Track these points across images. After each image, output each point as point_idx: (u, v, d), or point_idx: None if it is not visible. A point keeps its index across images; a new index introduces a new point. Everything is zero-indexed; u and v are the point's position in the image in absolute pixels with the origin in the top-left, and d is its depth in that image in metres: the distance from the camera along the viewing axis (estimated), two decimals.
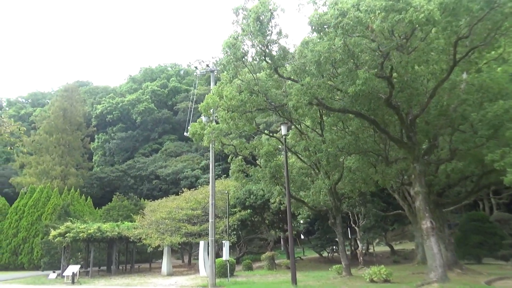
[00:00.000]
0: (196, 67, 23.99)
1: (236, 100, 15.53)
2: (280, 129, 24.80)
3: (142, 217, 34.33)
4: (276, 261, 31.37)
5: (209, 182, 49.74)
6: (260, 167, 22.63)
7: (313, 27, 11.67)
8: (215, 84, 26.51)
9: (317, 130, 21.13)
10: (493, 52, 14.46)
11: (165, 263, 30.06)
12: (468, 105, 14.50)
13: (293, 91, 14.05)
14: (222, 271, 23.87)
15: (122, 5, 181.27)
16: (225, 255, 21.94)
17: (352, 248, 39.51)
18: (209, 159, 71.43)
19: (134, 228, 32.42)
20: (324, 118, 20.24)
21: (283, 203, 31.10)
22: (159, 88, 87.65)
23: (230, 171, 24.59)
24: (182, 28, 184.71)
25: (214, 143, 21.66)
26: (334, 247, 38.59)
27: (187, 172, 65.44)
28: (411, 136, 15.88)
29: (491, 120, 12.88)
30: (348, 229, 39.55)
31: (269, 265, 28.94)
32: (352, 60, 12.85)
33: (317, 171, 22.12)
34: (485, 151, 13.29)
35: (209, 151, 75.61)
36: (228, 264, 22.79)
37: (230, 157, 24.23)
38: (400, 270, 25.59)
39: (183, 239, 29.45)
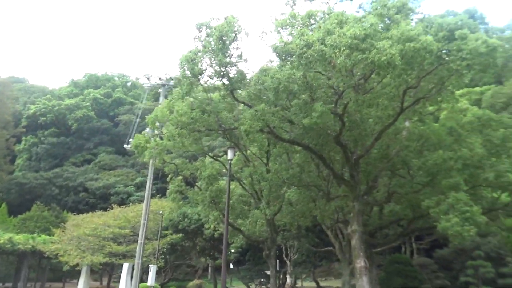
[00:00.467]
0: (148, 78, 23.04)
1: (187, 117, 14.95)
2: (224, 154, 24.42)
3: (63, 231, 31.56)
4: None
5: (142, 200, 47.51)
6: (200, 190, 21.88)
7: (277, 54, 11.64)
8: (166, 99, 25.79)
9: (262, 159, 20.99)
10: (432, 107, 15.48)
11: (81, 284, 27.58)
12: (410, 151, 15.22)
13: (247, 116, 13.81)
14: None
15: (74, 7, 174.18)
16: (151, 280, 20.58)
17: (280, 281, 39.27)
18: (145, 176, 68.39)
19: (52, 242, 29.72)
20: (271, 148, 20.24)
21: (218, 230, 30.25)
22: (102, 97, 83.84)
23: (167, 191, 23.53)
24: (135, 40, 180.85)
25: (155, 159, 20.70)
26: (262, 280, 38.10)
27: (119, 187, 62.14)
28: (354, 175, 16.20)
29: (430, 168, 13.55)
30: (278, 261, 39.43)
31: None
32: (308, 93, 12.97)
33: (257, 200, 21.81)
34: (421, 197, 13.88)
35: (147, 167, 72.61)
36: None
37: (169, 176, 23.23)
38: None
39: (106, 259, 27.33)
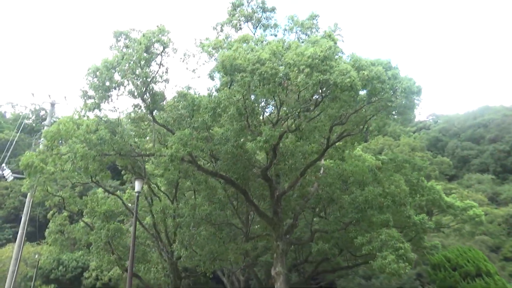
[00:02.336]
0: (32, 94, 19.34)
1: (97, 135, 12.42)
2: (115, 190, 21.36)
3: None
4: None
5: None
6: (92, 230, 18.40)
7: (225, 69, 10.38)
8: (52, 120, 21.91)
9: (169, 195, 18.79)
10: (356, 144, 15.86)
11: None
12: (336, 188, 15.02)
13: (174, 140, 11.98)
14: None
15: None
16: None
17: None
18: None
19: None
20: (179, 182, 18.28)
21: (101, 278, 25.97)
22: None
23: (47, 230, 19.23)
24: None
25: (35, 190, 16.88)
26: None
27: None
28: (278, 212, 15.30)
29: (360, 204, 13.40)
30: None
31: None
32: (245, 117, 11.88)
33: (159, 241, 19.18)
34: (350, 234, 13.56)
35: (2, 208, 61.11)
36: None
37: (51, 212, 19.17)
38: None
39: None
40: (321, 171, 17.22)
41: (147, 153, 14.46)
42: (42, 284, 25.97)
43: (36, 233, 51.76)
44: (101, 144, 12.61)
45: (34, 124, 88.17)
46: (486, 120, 64.33)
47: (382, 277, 33.81)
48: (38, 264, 23.37)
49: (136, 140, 14.79)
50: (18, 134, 41.43)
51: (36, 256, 23.93)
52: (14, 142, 27.90)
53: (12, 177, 18.30)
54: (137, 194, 15.73)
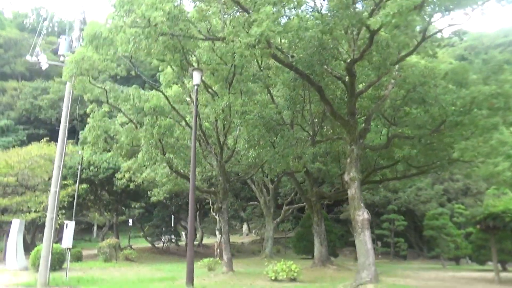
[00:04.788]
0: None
1: (163, 11, 10.14)
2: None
3: None
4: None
5: (7, 147, 38.18)
6: (139, 126, 16.96)
7: None
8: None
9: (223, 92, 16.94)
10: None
11: None
12: (430, 88, 13.24)
13: (261, 16, 9.83)
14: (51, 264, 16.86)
15: None
16: (68, 240, 15.39)
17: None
18: (12, 119, 56.39)
19: None
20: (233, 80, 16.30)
21: (134, 180, 25.38)
22: None
23: (86, 127, 17.71)
24: None
25: (74, 79, 15.05)
26: (172, 237, 34.56)
27: None
28: (354, 113, 13.73)
29: (466, 105, 11.76)
30: (197, 215, 36.14)
31: (108, 256, 22.73)
32: None
33: (206, 144, 17.90)
34: (446, 139, 12.17)
35: (13, 109, 59.64)
36: (69, 254, 16.17)
37: (90, 107, 17.54)
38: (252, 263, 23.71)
39: None
40: (396, 72, 15.29)
41: (217, 36, 12.29)
42: (74, 183, 25.39)
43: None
44: (170, 20, 10.43)
45: (35, 24, 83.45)
46: None
47: (409, 191, 33.85)
48: (81, 161, 22.35)
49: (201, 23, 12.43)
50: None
51: (80, 152, 22.84)
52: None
53: (48, 64, 16.30)
54: (195, 87, 13.97)
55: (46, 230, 14.34)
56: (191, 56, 14.07)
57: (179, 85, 19.47)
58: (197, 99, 13.97)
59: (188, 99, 17.33)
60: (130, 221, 37.18)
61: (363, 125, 14.79)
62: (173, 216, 36.65)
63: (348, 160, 13.67)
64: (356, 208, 13.15)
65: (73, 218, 16.79)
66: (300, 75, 13.17)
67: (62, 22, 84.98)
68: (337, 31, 11.32)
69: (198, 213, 36.72)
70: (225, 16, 12.54)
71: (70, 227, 15.47)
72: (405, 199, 33.04)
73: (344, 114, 14.17)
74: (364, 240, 12.82)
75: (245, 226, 50.09)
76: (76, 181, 24.79)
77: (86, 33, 11.03)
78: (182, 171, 17.87)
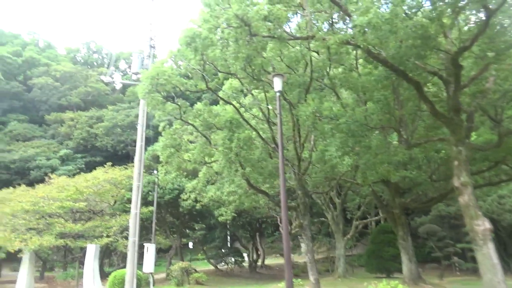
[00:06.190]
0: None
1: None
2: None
3: None
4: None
5: (70, 175, 38.98)
6: (210, 143, 16.30)
7: None
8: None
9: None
10: None
11: (24, 278, 20.18)
12: None
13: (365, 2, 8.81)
14: None
15: None
16: (150, 265, 14.72)
17: (251, 258, 34.99)
18: (71, 149, 58.20)
19: None
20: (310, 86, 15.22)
21: (200, 200, 24.74)
22: (10, 55, 69.74)
23: (159, 145, 17.31)
24: None
25: (148, 97, 14.59)
26: (236, 259, 33.46)
27: (40, 160, 51.89)
28: (459, 110, 12.23)
29: None
30: (257, 235, 34.94)
31: (180, 280, 21.98)
32: None
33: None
34: None
35: (71, 138, 61.86)
36: (152, 279, 15.49)
37: (162, 124, 17.14)
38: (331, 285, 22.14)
39: (59, 241, 20.31)
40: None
41: (304, 35, 11.38)
42: (141, 206, 25.16)
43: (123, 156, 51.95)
44: (263, 19, 9.63)
45: (87, 57, 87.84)
46: None
47: (490, 200, 30.90)
48: (157, 181, 22.01)
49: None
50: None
51: (155, 172, 22.60)
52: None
53: (121, 84, 16.12)
54: (278, 94, 13.06)
55: (129, 254, 13.75)
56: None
57: (246, 97, 18.82)
58: (280, 106, 13.03)
59: (269, 107, 16.42)
60: (191, 243, 36.67)
61: (465, 123, 13.18)
62: (230, 237, 35.86)
63: (456, 163, 12.08)
64: (473, 217, 11.49)
65: (152, 240, 16.14)
66: (395, 72, 11.93)
67: (110, 53, 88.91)
68: (445, 17, 10.08)
69: (257, 233, 35.61)
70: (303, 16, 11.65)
71: (151, 250, 14.85)
72: (486, 208, 30.15)
73: (445, 111, 12.69)
74: (488, 253, 11.10)
75: (303, 245, 48.12)
76: (143, 204, 24.52)
77: (182, 35, 10.38)
78: (259, 186, 16.89)
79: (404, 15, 10.80)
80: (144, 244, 15.35)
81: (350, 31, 11.60)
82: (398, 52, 11.28)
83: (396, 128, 14.05)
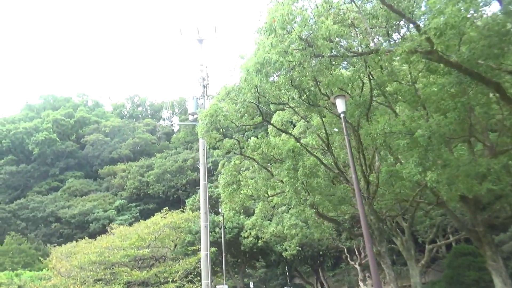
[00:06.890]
0: (180, 30, 16.90)
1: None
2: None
3: (53, 265, 23.91)
4: None
5: (127, 224, 39.64)
6: (272, 175, 15.87)
7: None
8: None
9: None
10: None
11: None
12: None
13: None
14: None
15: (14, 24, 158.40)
16: None
17: None
18: (124, 199, 59.65)
19: (42, 279, 22.02)
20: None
21: (262, 237, 24.06)
22: (63, 117, 74.45)
23: (219, 183, 17.20)
24: (88, 58, 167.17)
25: (207, 135, 14.53)
26: None
27: (98, 213, 53.59)
28: None
29: None
30: (320, 269, 33.37)
31: None
32: None
33: (346, 181, 16.07)
34: None
35: (125, 189, 63.49)
36: None
37: (222, 162, 17.03)
38: None
39: None
40: None
41: (368, 50, 10.90)
42: (199, 249, 24.82)
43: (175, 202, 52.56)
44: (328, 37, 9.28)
45: (131, 111, 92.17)
46: None
47: None
48: (223, 221, 21.79)
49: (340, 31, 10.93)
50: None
51: (220, 210, 22.44)
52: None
53: (178, 126, 16.38)
54: (342, 115, 12.58)
55: None
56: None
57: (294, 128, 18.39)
58: (346, 127, 12.48)
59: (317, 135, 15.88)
60: (251, 283, 35.54)
61: None
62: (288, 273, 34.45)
63: None
64: None
65: (224, 281, 15.57)
66: (470, 76, 11.11)
67: (153, 104, 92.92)
68: None
69: (320, 266, 34.01)
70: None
71: None
72: None
73: None
74: None
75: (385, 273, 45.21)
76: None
77: (251, 61, 10.24)
78: (327, 214, 16.08)
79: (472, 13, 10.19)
80: (217, 286, 14.77)
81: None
82: (473, 54, 10.54)
83: (479, 137, 12.98)
